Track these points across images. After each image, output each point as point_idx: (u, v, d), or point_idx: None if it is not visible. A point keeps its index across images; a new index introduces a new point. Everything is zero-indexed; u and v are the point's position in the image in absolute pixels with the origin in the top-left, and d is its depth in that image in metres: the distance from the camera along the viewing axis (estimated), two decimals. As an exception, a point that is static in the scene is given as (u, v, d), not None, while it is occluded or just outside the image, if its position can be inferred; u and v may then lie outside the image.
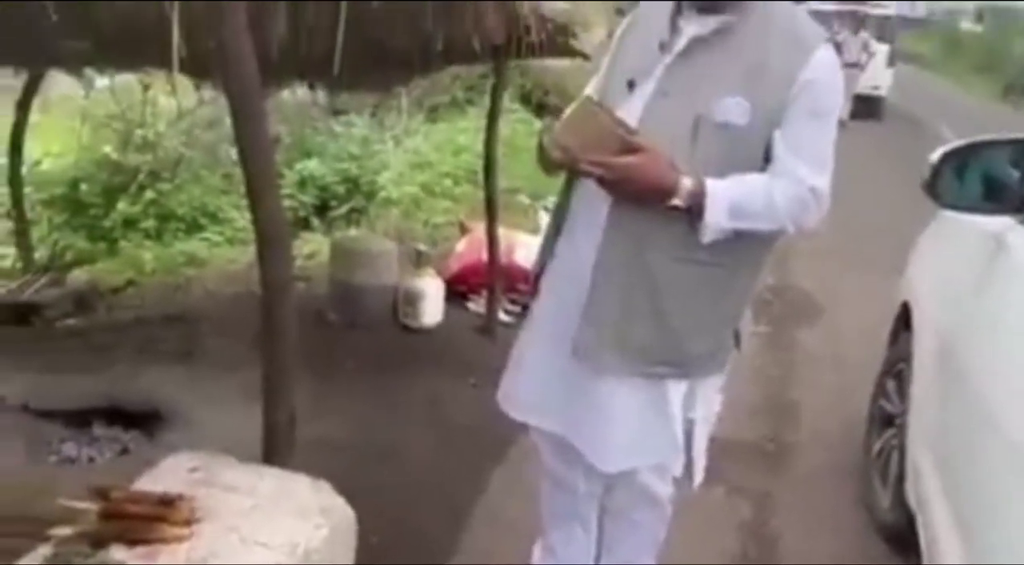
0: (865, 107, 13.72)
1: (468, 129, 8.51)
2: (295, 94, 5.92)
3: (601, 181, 1.73)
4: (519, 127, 8.84)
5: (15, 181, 5.46)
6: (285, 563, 1.74)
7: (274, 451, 2.15)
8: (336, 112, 8.69)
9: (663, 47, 1.81)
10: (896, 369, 3.12)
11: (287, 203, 6.38)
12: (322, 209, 7.31)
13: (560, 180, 1.98)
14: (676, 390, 1.87)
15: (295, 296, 2.23)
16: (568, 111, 1.80)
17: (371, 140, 8.30)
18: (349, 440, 3.20)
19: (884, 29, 15.05)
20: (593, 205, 1.82)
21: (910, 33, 26.74)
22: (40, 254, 5.64)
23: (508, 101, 7.88)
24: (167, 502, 1.78)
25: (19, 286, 4.86)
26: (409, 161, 8.04)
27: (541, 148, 1.83)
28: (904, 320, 3.12)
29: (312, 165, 7.54)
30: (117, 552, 1.67)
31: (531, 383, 2.00)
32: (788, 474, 3.37)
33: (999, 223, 2.33)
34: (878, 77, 14.63)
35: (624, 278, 1.81)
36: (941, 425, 2.36)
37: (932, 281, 2.97)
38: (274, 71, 3.53)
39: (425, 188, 7.46)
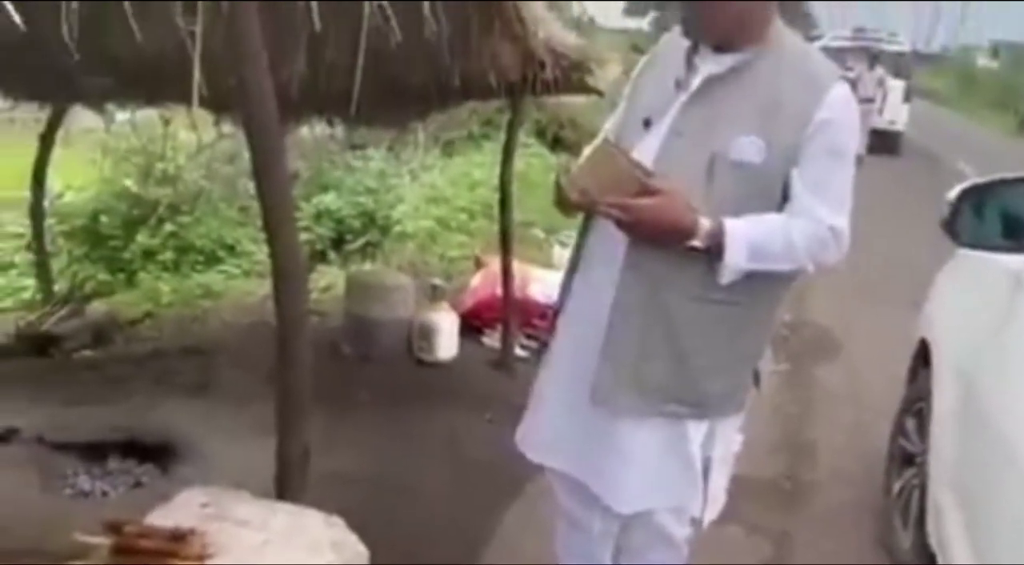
0: (882, 142, 13.74)
1: (484, 164, 8.56)
2: (313, 130, 5.98)
3: (619, 223, 1.73)
4: (534, 161, 8.88)
5: (37, 213, 5.52)
6: (297, 600, 1.73)
7: (287, 485, 2.15)
8: (354, 147, 8.77)
9: (679, 85, 1.82)
10: (915, 407, 3.08)
11: (304, 236, 6.43)
12: (338, 242, 7.34)
13: (577, 217, 1.99)
14: (696, 430, 1.85)
15: (310, 329, 2.23)
16: (586, 153, 1.81)
17: (387, 174, 8.36)
18: (363, 474, 3.18)
19: (899, 65, 15.12)
20: (610, 245, 1.82)
21: (925, 69, 26.86)
22: (60, 286, 5.67)
23: (523, 136, 7.92)
24: (179, 537, 1.78)
25: (39, 317, 4.89)
26: (425, 195, 8.08)
27: (558, 188, 1.84)
28: (923, 357, 3.09)
29: (329, 199, 7.60)
30: (129, 588, 1.67)
31: (548, 425, 1.99)
32: (806, 513, 3.32)
33: (1018, 261, 2.32)
34: (894, 112, 14.67)
35: (642, 318, 1.80)
36: (962, 464, 2.33)
37: (951, 318, 2.94)
38: (293, 108, 3.58)
39: (441, 222, 7.49)
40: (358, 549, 1.96)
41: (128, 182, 7.23)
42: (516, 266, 4.58)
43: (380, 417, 3.76)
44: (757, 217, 1.72)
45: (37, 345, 4.65)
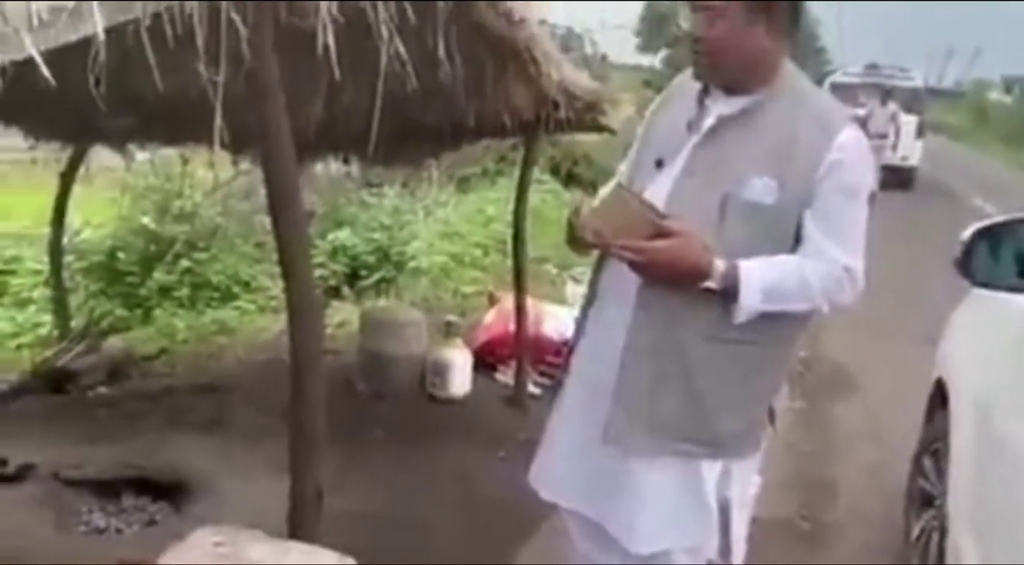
0: (896, 178, 13.71)
1: (498, 200, 8.61)
2: (329, 167, 6.04)
3: (633, 265, 1.74)
4: (548, 198, 8.93)
5: (55, 250, 5.59)
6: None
7: (300, 524, 2.14)
8: (369, 184, 8.84)
9: (691, 126, 1.84)
10: (933, 447, 3.04)
11: (318, 272, 6.47)
12: (353, 278, 7.38)
13: (590, 255, 2.00)
14: (710, 470, 1.84)
15: (324, 366, 2.24)
16: (600, 196, 1.83)
17: (402, 210, 8.42)
18: (376, 512, 3.17)
19: (912, 100, 15.16)
20: (623, 284, 1.82)
21: (939, 104, 26.89)
22: (77, 321, 5.72)
23: (537, 172, 7.97)
24: (193, 577, 1.77)
25: (55, 353, 4.93)
26: (439, 231, 8.13)
27: (571, 228, 1.86)
28: (939, 397, 3.06)
29: (343, 235, 7.64)
30: (142, 628, 1.67)
31: (562, 464, 1.98)
32: (825, 554, 3.27)
33: (1034, 300, 2.30)
34: (908, 148, 14.67)
35: (655, 358, 1.80)
36: (982, 505, 2.29)
37: (967, 358, 2.92)
38: (310, 146, 3.62)
39: (454, 258, 7.53)
40: (371, 589, 1.95)
41: (145, 219, 7.31)
42: (529, 302, 4.58)
43: (393, 455, 3.75)
44: (771, 258, 1.73)
45: (53, 381, 4.67)
